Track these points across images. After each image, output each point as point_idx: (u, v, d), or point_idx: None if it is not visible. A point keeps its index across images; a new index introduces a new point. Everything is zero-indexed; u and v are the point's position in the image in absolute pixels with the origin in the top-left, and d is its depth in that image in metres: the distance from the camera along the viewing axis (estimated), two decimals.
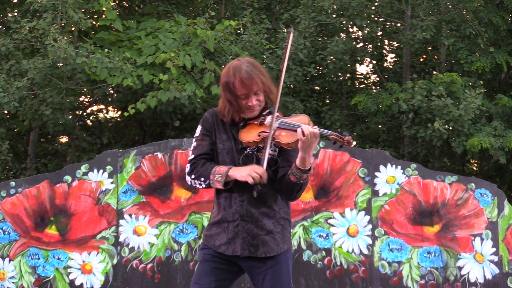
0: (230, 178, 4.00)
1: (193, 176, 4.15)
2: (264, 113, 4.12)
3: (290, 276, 4.20)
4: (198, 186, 4.15)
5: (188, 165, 4.19)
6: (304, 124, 3.92)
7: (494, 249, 8.90)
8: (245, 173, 3.94)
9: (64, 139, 15.98)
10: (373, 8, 14.43)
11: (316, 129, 3.85)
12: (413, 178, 9.02)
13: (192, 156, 4.20)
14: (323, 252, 8.92)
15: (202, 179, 4.10)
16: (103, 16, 13.02)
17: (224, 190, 4.12)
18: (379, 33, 15.53)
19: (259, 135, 4.02)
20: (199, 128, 4.24)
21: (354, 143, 15.37)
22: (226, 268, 4.19)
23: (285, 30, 14.85)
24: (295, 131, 3.92)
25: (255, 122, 4.10)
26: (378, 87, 16.38)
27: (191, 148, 4.24)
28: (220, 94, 4.16)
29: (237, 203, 4.10)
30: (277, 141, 3.99)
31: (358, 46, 15.68)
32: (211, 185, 4.07)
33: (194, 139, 4.25)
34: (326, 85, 16.62)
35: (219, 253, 4.16)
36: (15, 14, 14.45)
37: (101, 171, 8.98)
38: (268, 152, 3.98)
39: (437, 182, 9.01)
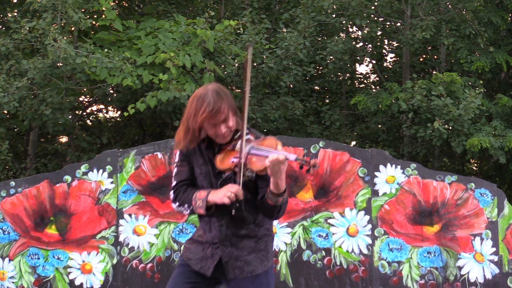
0: (210, 203, 4.01)
1: (177, 204, 4.19)
2: (236, 136, 4.11)
3: None
4: (184, 212, 4.18)
5: (171, 193, 4.23)
6: (271, 150, 3.91)
7: (494, 249, 8.90)
8: (221, 194, 3.95)
9: (64, 139, 15.99)
10: (373, 8, 14.43)
11: (281, 157, 3.81)
12: (413, 178, 9.02)
13: (174, 183, 4.23)
14: (323, 252, 8.92)
15: (186, 205, 4.13)
16: (103, 16, 13.02)
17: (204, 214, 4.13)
18: (379, 33, 15.55)
19: (232, 162, 4.01)
20: (177, 153, 4.25)
21: (354, 143, 15.40)
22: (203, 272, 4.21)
23: (285, 30, 14.87)
24: (264, 157, 3.90)
25: (228, 148, 4.09)
26: (377, 87, 16.41)
27: (173, 175, 4.26)
28: (183, 121, 4.11)
29: (216, 228, 4.12)
30: (249, 168, 3.98)
31: (357, 46, 15.70)
32: (195, 212, 4.09)
33: (174, 165, 4.27)
34: (325, 84, 16.65)
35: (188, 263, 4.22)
36: (15, 14, 14.46)
37: (100, 171, 8.98)
38: (242, 178, 3.97)
39: (437, 182, 9.01)
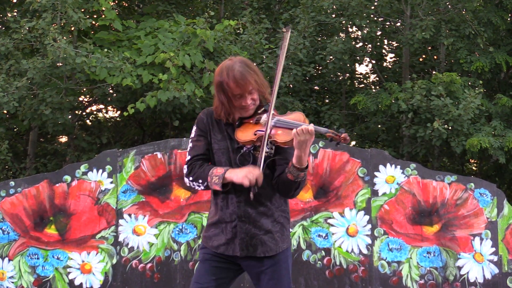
0: (227, 180, 3.99)
1: (191, 178, 4.15)
2: (259, 111, 4.12)
3: (290, 275, 4.21)
4: (196, 187, 4.15)
5: (185, 167, 4.19)
6: (299, 122, 3.92)
7: (493, 249, 8.90)
8: (241, 175, 3.93)
9: (63, 139, 15.99)
10: (373, 8, 14.43)
11: (311, 127, 3.84)
12: (413, 178, 9.02)
13: (188, 157, 4.20)
14: (323, 252, 8.92)
15: (200, 181, 4.10)
16: (103, 16, 13.02)
17: (221, 191, 4.12)
18: (379, 33, 15.54)
19: (255, 134, 4.01)
20: (194, 128, 4.24)
21: (354, 143, 15.39)
22: (225, 267, 4.19)
23: (285, 30, 14.84)
24: (291, 129, 3.91)
25: (251, 121, 4.10)
26: (377, 87, 16.40)
27: (188, 149, 4.24)
28: (214, 95, 4.15)
29: (234, 204, 4.10)
30: (273, 140, 3.99)
31: (357, 45, 15.69)
32: (210, 187, 4.07)
33: (190, 140, 4.25)
34: (325, 84, 16.64)
35: (218, 252, 4.18)
36: (15, 14, 14.45)
37: (100, 170, 8.98)
38: (264, 151, 3.97)
39: (437, 182, 9.01)
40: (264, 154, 3.97)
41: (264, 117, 4.04)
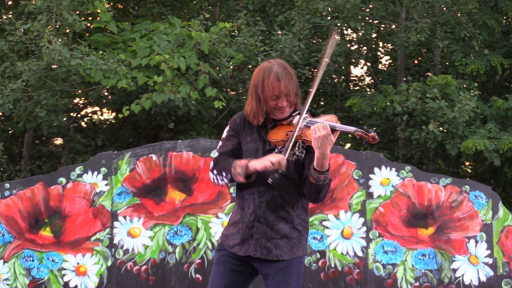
0: (251, 169, 4.00)
1: (215, 172, 4.18)
2: (294, 114, 4.16)
3: (300, 282, 4.19)
4: (220, 182, 4.17)
5: (211, 163, 4.23)
6: (331, 122, 3.96)
7: (488, 252, 8.91)
8: (264, 159, 3.96)
9: (58, 141, 15.96)
10: (368, 10, 14.44)
11: (326, 123, 3.90)
12: (408, 180, 9.02)
13: (216, 154, 4.24)
14: (318, 254, 8.92)
15: (224, 173, 4.12)
16: (98, 18, 12.99)
17: (244, 190, 4.15)
18: (374, 35, 15.55)
19: (287, 134, 4.05)
20: (226, 129, 4.30)
21: (349, 145, 15.41)
22: (240, 269, 4.21)
23: (280, 33, 14.86)
24: None
25: (284, 122, 4.15)
26: (372, 89, 16.40)
27: (217, 149, 4.28)
28: (248, 95, 4.21)
29: (255, 204, 4.11)
30: (304, 139, 4.02)
31: (352, 48, 15.70)
32: (234, 179, 4.08)
33: (220, 140, 4.30)
34: (320, 87, 16.61)
35: (233, 254, 4.19)
36: (10, 16, 14.42)
37: (95, 173, 8.97)
38: (290, 145, 3.99)
39: (432, 184, 9.02)
40: (290, 145, 3.99)
41: (296, 118, 4.09)
